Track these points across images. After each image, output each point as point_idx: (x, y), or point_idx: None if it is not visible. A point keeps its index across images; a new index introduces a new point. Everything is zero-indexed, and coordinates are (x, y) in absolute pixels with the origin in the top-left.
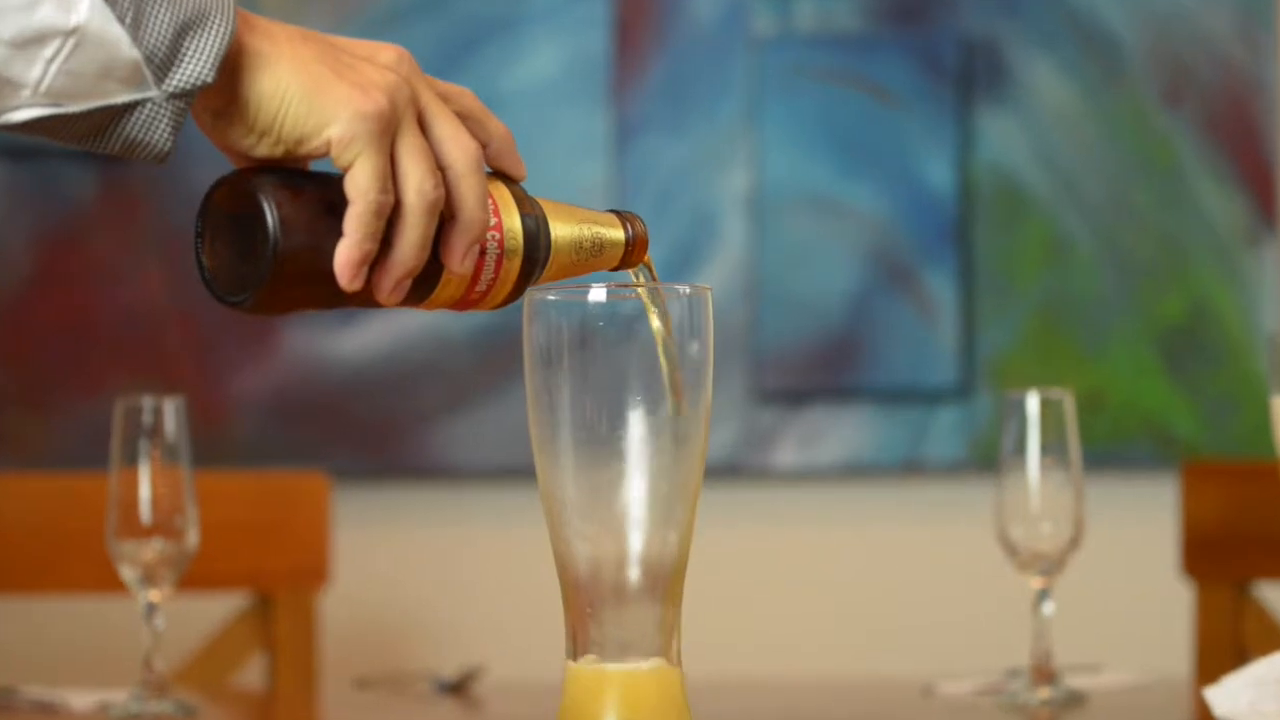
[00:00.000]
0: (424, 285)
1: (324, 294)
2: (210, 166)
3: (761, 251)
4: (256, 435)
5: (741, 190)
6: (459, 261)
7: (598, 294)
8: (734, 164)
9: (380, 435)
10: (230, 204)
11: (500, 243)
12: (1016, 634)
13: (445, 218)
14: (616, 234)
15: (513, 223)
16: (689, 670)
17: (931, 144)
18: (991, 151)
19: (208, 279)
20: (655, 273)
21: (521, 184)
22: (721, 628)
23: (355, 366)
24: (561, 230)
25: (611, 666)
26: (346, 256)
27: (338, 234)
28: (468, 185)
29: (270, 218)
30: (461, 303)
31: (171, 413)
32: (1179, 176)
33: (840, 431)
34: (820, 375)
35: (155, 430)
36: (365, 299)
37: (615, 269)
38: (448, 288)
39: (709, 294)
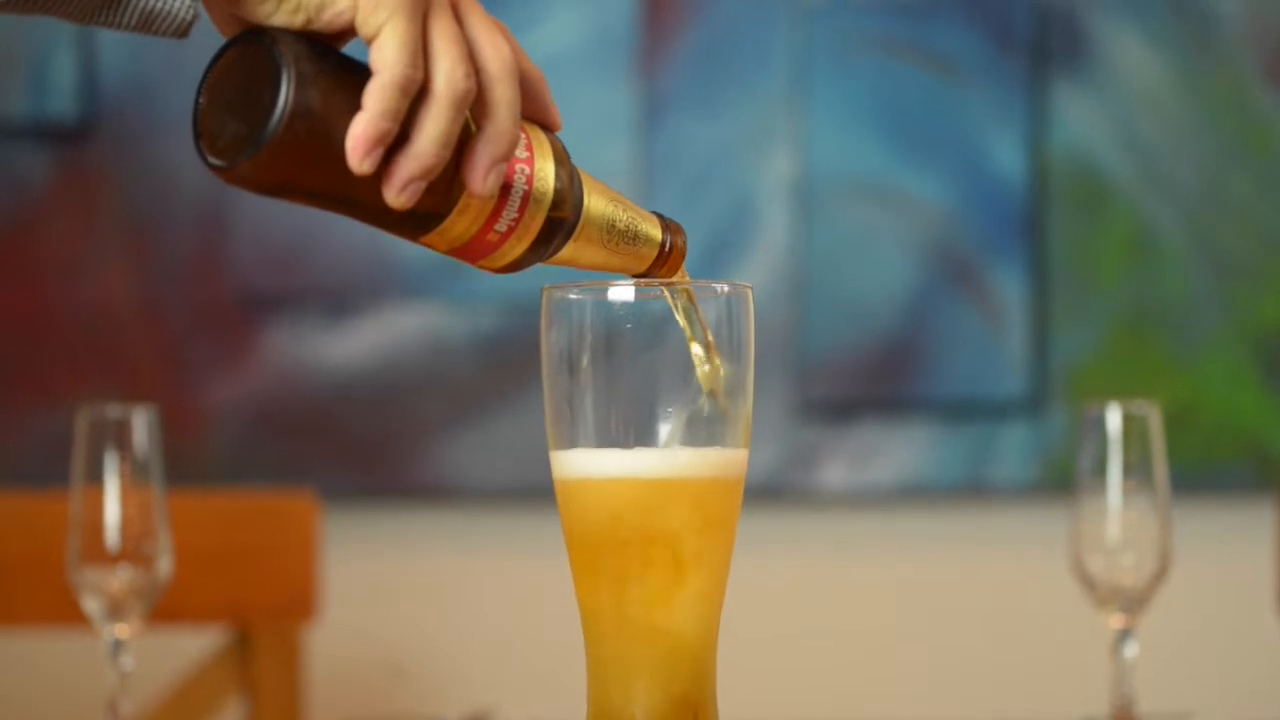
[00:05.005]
0: (437, 207)
1: (326, 178)
2: (186, 144)
3: (807, 245)
4: (235, 450)
5: (785, 176)
6: (482, 179)
7: (625, 292)
8: (776, 146)
9: (374, 451)
10: (244, 59)
11: (529, 180)
12: (1094, 678)
13: (471, 130)
14: (654, 231)
15: (545, 166)
16: (727, 716)
17: (1000, 125)
18: (1068, 134)
19: (199, 138)
20: (693, 297)
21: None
22: (762, 667)
23: (346, 373)
24: (597, 202)
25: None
26: (362, 131)
27: (355, 111)
28: (501, 91)
29: (286, 73)
30: (474, 245)
31: (142, 424)
32: None
33: (895, 449)
34: (873, 386)
35: (123, 444)
36: (370, 200)
37: (642, 274)
38: (463, 217)
39: (750, 293)
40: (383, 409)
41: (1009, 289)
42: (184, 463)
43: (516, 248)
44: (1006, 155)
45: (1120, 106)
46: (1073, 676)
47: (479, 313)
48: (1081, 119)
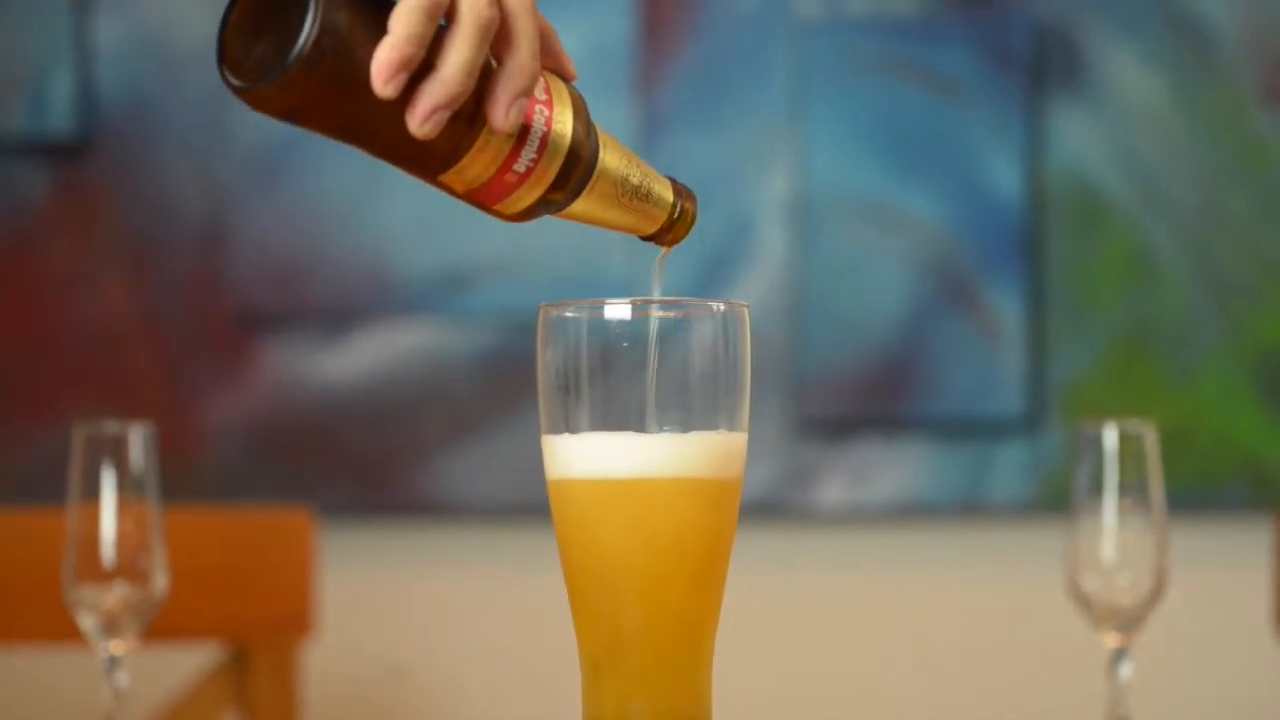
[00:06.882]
0: (459, 142)
1: (349, 104)
2: (185, 160)
3: (805, 264)
4: (232, 467)
5: (783, 194)
6: (504, 113)
7: (621, 310)
8: (774, 165)
9: (372, 467)
10: None
11: (549, 122)
12: (1089, 698)
13: (494, 65)
14: (666, 193)
15: (564, 112)
16: None
17: (998, 143)
18: (1066, 152)
19: (222, 62)
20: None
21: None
22: (758, 685)
23: (344, 390)
24: (612, 156)
25: None
26: (387, 55)
27: (381, 37)
28: (522, 24)
29: None
30: (491, 186)
31: (138, 440)
32: (1279, 182)
33: (892, 467)
34: (870, 404)
35: (120, 460)
36: (392, 131)
37: (650, 236)
38: (483, 154)
39: (746, 312)
40: (381, 426)
41: (1006, 307)
42: (181, 479)
43: (533, 192)
44: (1004, 174)
45: (1118, 125)
46: (1068, 696)
47: (477, 330)
48: (1079, 138)
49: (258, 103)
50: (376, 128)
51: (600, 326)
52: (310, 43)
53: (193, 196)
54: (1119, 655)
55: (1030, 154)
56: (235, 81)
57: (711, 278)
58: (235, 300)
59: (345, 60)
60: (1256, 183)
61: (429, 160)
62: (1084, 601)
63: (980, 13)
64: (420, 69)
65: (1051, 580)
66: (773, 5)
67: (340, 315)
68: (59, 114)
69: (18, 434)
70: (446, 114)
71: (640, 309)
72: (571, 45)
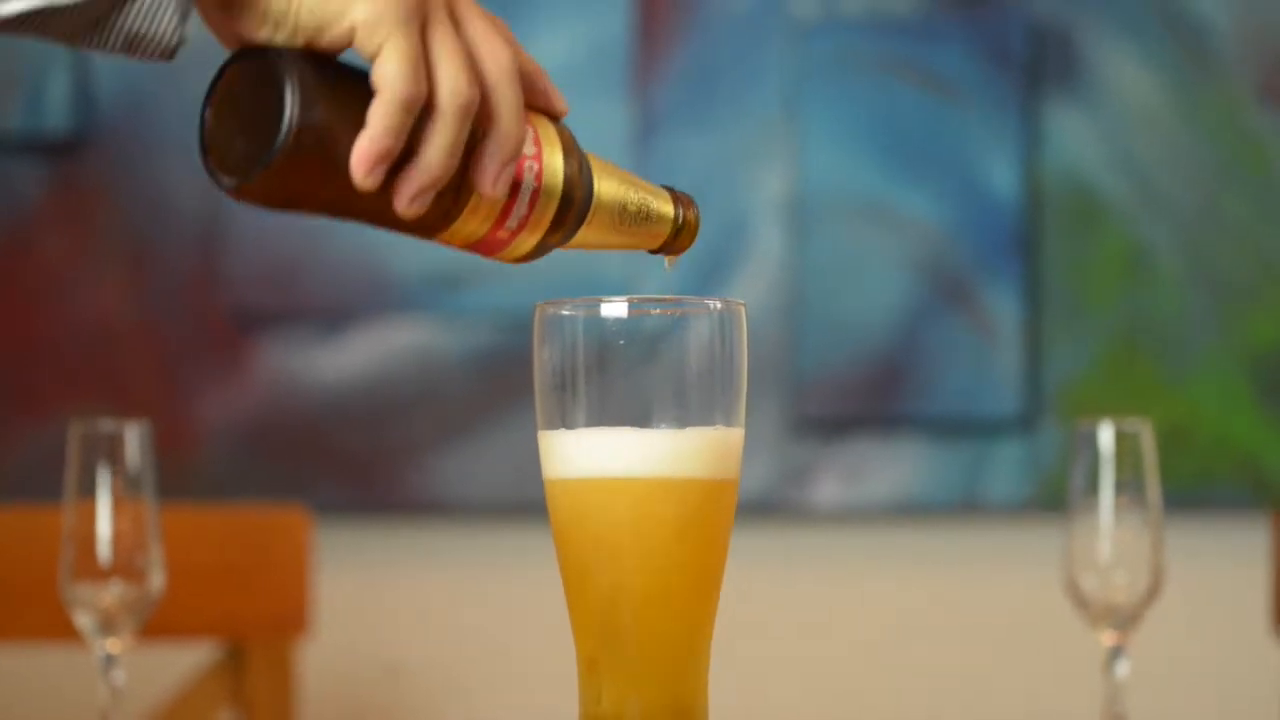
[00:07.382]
0: (448, 210)
1: (334, 192)
2: (181, 159)
3: (801, 263)
4: (228, 465)
5: (778, 194)
6: (491, 183)
7: (618, 309)
8: (770, 164)
9: (367, 466)
10: (248, 75)
11: (538, 176)
12: (1085, 696)
13: (478, 134)
14: (666, 208)
15: (554, 159)
16: None
17: (994, 143)
18: (1062, 152)
19: (206, 156)
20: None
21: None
22: (755, 684)
23: (339, 389)
24: (607, 186)
25: None
26: (365, 148)
27: (360, 124)
28: (503, 94)
29: (290, 89)
30: (485, 243)
31: (134, 438)
32: (1276, 183)
33: (888, 466)
34: (866, 403)
35: (115, 458)
36: (380, 210)
37: (656, 251)
38: (474, 217)
39: (743, 310)
40: (376, 424)
41: (1003, 307)
42: (178, 478)
43: (529, 240)
44: (1001, 174)
45: (1115, 125)
46: (1065, 694)
47: (472, 329)
48: (1076, 138)
49: (243, 198)
50: (364, 209)
51: (596, 324)
52: (288, 143)
53: (189, 195)
54: (1115, 653)
55: (1027, 154)
56: (222, 180)
57: (708, 278)
58: (231, 299)
59: (326, 154)
60: (1253, 183)
61: (421, 228)
62: (1080, 600)
63: (977, 12)
64: (402, 152)
65: (1048, 579)
66: (768, 5)
67: (336, 314)
68: (55, 112)
69: (14, 432)
70: (431, 193)
71: (636, 307)
72: (567, 45)
